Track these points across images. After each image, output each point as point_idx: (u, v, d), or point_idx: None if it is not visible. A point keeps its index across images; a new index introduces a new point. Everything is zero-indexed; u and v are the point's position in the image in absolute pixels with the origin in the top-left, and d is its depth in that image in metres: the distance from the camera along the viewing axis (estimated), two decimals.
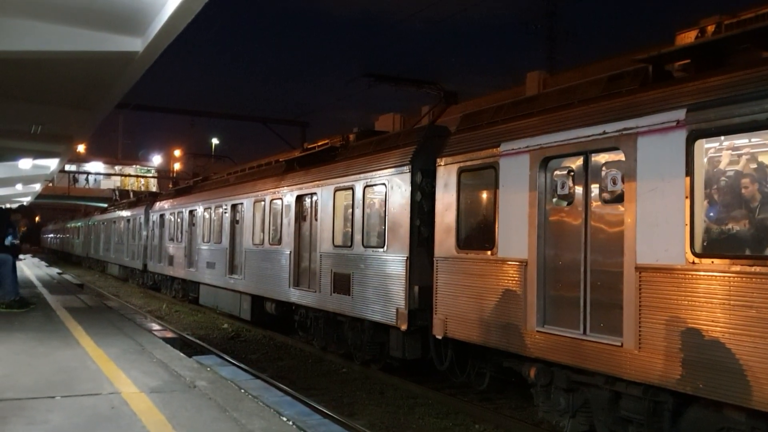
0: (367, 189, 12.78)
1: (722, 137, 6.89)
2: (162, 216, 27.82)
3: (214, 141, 61.39)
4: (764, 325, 5.99)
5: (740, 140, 6.94)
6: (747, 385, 6.08)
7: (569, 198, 8.42)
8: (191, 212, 23.91)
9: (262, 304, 17.71)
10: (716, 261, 6.47)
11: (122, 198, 43.99)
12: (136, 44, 9.18)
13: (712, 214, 6.91)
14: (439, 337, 10.45)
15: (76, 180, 65.40)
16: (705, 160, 6.98)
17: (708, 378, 6.43)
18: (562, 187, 8.42)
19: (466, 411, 10.51)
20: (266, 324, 18.20)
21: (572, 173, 8.34)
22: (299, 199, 15.56)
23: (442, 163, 10.64)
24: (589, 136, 7.97)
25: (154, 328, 17.81)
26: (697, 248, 6.67)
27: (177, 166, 64.79)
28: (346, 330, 13.63)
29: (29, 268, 32.61)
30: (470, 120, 10.71)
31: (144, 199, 34.47)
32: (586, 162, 8.12)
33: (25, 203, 39.60)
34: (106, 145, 78.07)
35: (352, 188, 13.20)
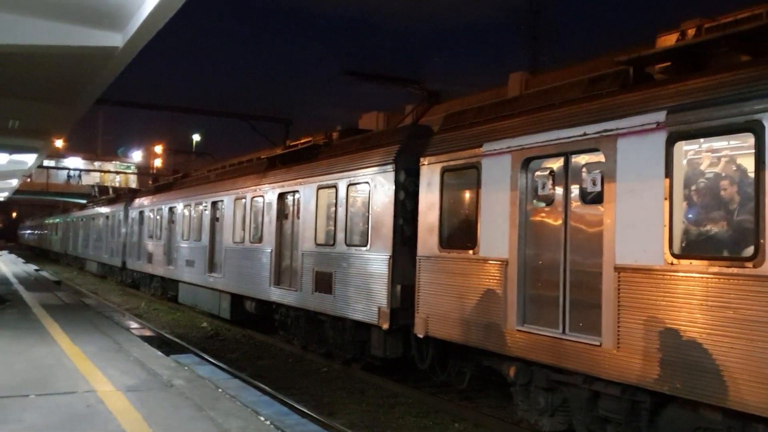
0: (350, 187, 12.76)
1: (701, 139, 6.96)
2: (141, 213, 27.58)
3: (195, 138, 60.98)
4: (741, 325, 6.05)
5: (719, 143, 7.01)
6: (723, 385, 6.14)
7: (549, 198, 8.46)
8: (171, 209, 23.73)
9: (242, 302, 17.61)
10: (694, 262, 6.53)
11: (101, 194, 43.51)
12: (116, 39, 9.09)
13: (690, 215, 6.97)
14: (421, 336, 10.46)
15: (69, 176, 64.66)
16: (684, 162, 7.05)
17: (685, 378, 6.49)
18: (543, 187, 8.46)
19: (446, 410, 10.53)
20: (246, 323, 18.10)
21: (553, 174, 8.39)
22: (281, 196, 15.49)
23: (426, 163, 10.64)
24: (569, 138, 8.01)
25: (132, 326, 17.66)
26: (676, 249, 6.73)
27: (157, 163, 64.22)
28: (328, 329, 13.59)
29: (6, 264, 32.21)
30: (453, 120, 10.72)
31: (123, 196, 34.15)
32: (567, 163, 8.16)
33: (1, 198, 39.08)
34: (86, 140, 77.26)
35: (335, 186, 13.17)
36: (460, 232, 10.09)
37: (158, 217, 25.14)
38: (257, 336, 17.27)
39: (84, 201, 48.48)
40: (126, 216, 30.04)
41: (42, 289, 20.27)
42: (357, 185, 12.60)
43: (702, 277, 6.41)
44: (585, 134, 7.80)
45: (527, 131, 8.71)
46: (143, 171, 65.25)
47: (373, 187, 11.94)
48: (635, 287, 7.04)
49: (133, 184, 60.09)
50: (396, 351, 11.67)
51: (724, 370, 6.14)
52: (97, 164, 70.46)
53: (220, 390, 7.78)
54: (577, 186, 8.08)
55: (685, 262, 6.60)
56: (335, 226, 13.10)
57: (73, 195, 62.81)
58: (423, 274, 10.44)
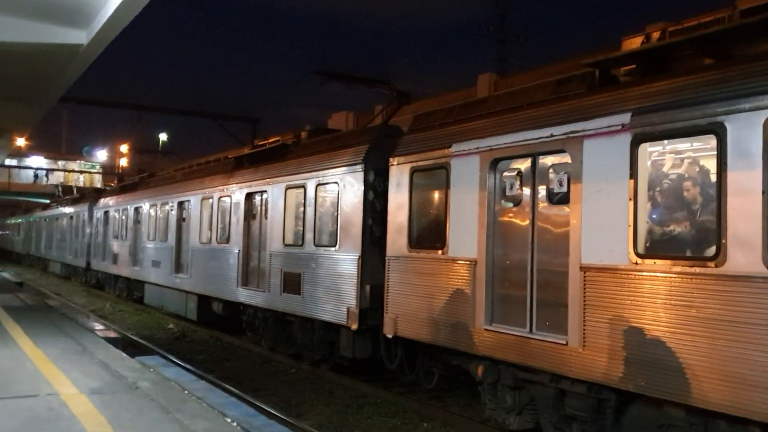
0: (319, 187, 12.71)
1: (665, 141, 7.07)
2: (106, 213, 27.16)
3: (162, 137, 60.05)
4: (703, 324, 6.17)
5: (682, 144, 7.14)
6: (686, 382, 6.25)
7: (517, 199, 8.54)
8: (136, 209, 23.40)
9: (209, 303, 17.43)
10: (658, 262, 6.64)
11: (65, 194, 42.78)
12: (80, 37, 8.96)
13: (654, 216, 7.09)
14: (390, 336, 10.47)
15: (36, 176, 63.25)
16: (648, 163, 7.16)
17: (649, 376, 6.59)
18: (511, 188, 8.53)
19: (414, 409, 10.55)
20: (213, 324, 17.92)
21: (521, 174, 8.46)
22: (249, 196, 15.37)
23: (395, 163, 10.66)
24: (537, 139, 8.09)
25: (97, 328, 17.38)
26: (640, 249, 6.84)
27: (123, 162, 63.23)
28: (296, 330, 13.53)
29: None
30: (422, 120, 10.76)
31: (88, 196, 33.63)
32: (534, 164, 8.24)
33: None
34: (50, 139, 75.67)
35: (303, 186, 13.11)
36: (429, 233, 10.12)
37: (124, 217, 24.79)
38: (225, 337, 17.11)
39: (47, 201, 47.65)
40: (90, 216, 29.57)
41: (3, 291, 19.82)
42: (326, 185, 12.56)
43: (665, 277, 6.52)
44: (552, 135, 7.88)
45: (495, 132, 8.77)
46: (108, 170, 64.19)
47: (342, 187, 11.92)
48: (600, 286, 7.13)
49: (98, 184, 59.11)
50: (365, 351, 11.66)
51: (687, 368, 6.26)
52: (60, 163, 69.10)
53: (186, 392, 7.69)
54: (545, 187, 8.15)
55: (649, 261, 6.71)
56: (304, 226, 13.04)
57: (36, 195, 61.57)
58: (392, 275, 10.45)
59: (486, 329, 8.57)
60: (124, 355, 9.98)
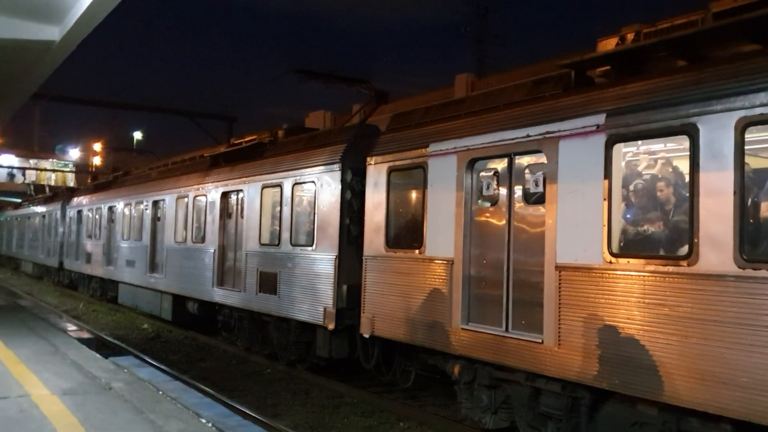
0: (296, 186, 12.67)
1: (639, 142, 7.16)
2: (80, 212, 26.82)
3: (137, 135, 59.36)
4: (676, 322, 6.25)
5: (656, 145, 7.23)
6: (659, 380, 6.33)
7: (494, 199, 8.58)
8: (110, 208, 23.14)
9: (184, 303, 17.28)
10: (632, 261, 6.71)
11: (38, 193, 42.22)
12: (53, 33, 8.84)
13: (628, 215, 7.17)
14: (367, 336, 10.46)
15: (13, 174, 61.99)
16: (623, 163, 7.23)
17: (623, 374, 6.66)
18: (488, 188, 8.57)
19: (390, 409, 10.56)
20: (188, 324, 17.78)
21: (497, 174, 8.50)
22: (224, 195, 15.26)
23: (372, 162, 10.65)
24: (513, 139, 8.14)
25: (70, 328, 17.15)
26: (614, 248, 6.91)
27: (97, 161, 62.43)
28: (272, 330, 13.46)
29: None
30: (400, 120, 10.76)
31: (61, 194, 33.22)
32: (511, 164, 8.29)
33: None
34: (21, 137, 74.41)
35: (280, 185, 13.05)
36: (406, 232, 10.12)
37: (97, 216, 24.50)
38: (200, 337, 16.98)
39: (19, 200, 46.99)
40: (63, 215, 29.20)
41: None
42: (303, 184, 12.51)
43: (639, 276, 6.60)
44: (528, 136, 7.93)
45: (473, 132, 8.81)
46: (82, 169, 63.36)
47: (319, 186, 11.88)
48: (575, 285, 7.19)
49: (71, 183, 58.33)
50: (341, 351, 11.63)
51: (660, 366, 6.33)
52: (32, 162, 68.04)
53: (160, 392, 7.62)
54: (521, 186, 8.21)
55: (622, 260, 6.78)
56: (280, 225, 12.98)
57: (7, 193, 60.60)
58: (369, 274, 10.44)
59: (463, 328, 8.60)
60: (97, 355, 9.87)
